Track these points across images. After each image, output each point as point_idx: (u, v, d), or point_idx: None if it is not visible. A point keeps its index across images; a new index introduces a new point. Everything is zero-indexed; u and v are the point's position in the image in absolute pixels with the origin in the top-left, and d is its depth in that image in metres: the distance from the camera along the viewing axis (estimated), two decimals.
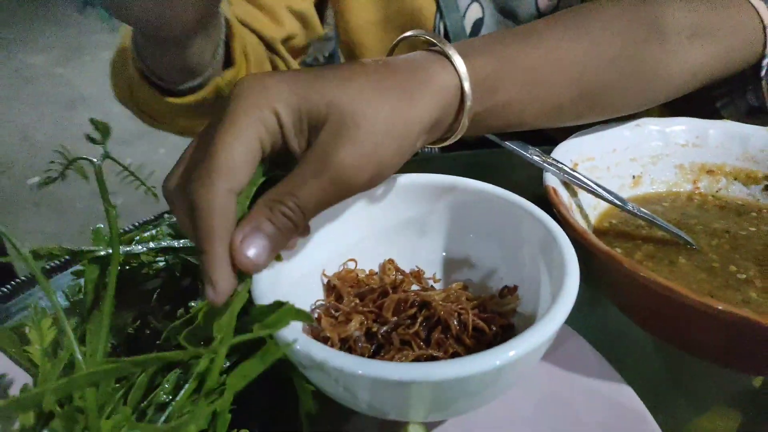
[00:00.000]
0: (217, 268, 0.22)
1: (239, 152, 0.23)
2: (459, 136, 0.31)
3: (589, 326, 0.30)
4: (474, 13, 0.65)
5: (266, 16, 0.60)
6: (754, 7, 0.42)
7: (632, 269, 0.26)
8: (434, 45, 0.30)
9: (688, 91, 0.40)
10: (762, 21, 0.42)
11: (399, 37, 0.32)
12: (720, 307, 0.24)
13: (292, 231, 0.25)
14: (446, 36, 0.64)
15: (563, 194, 0.33)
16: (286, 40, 0.61)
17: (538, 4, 0.63)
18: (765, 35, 0.42)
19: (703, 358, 0.29)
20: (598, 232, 0.36)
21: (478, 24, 0.65)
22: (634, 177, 0.40)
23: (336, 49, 0.74)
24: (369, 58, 0.29)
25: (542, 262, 0.27)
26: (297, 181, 0.25)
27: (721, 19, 0.42)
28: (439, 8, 0.64)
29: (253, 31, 0.57)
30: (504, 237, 0.30)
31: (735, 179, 0.40)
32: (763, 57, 0.43)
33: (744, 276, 0.32)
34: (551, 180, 0.33)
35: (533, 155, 0.34)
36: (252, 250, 0.23)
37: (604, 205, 0.37)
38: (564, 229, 0.27)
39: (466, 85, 0.29)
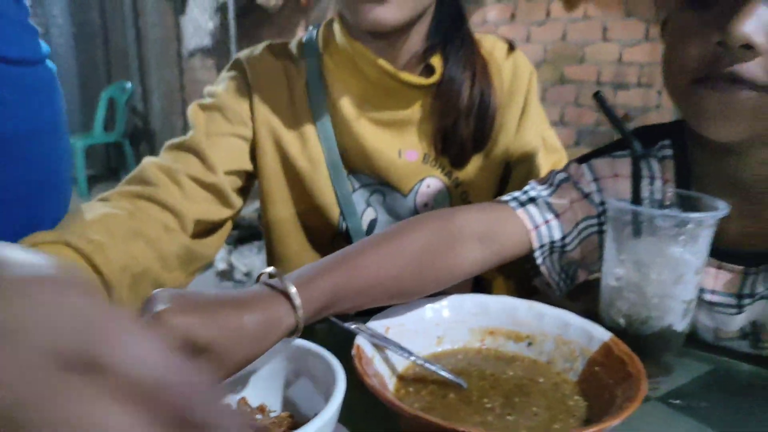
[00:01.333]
0: None
1: None
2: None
3: None
4: (369, 215, 0.84)
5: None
6: (520, 218, 0.62)
7: (391, 401, 0.40)
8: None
9: (473, 276, 0.58)
10: (525, 226, 0.62)
11: (259, 273, 0.48)
12: (458, 428, 0.37)
13: None
14: (347, 233, 0.82)
15: (367, 351, 0.47)
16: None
17: (417, 207, 0.84)
18: (530, 237, 0.62)
19: None
20: (402, 377, 0.50)
21: (372, 223, 0.84)
22: (437, 337, 0.55)
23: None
24: (233, 294, 0.44)
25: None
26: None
27: (500, 226, 0.61)
28: (341, 211, 0.82)
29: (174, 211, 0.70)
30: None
31: (508, 338, 0.56)
32: (533, 251, 0.62)
33: (490, 405, 0.46)
34: (359, 340, 0.48)
35: (350, 325, 0.49)
36: None
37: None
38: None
39: (301, 315, 0.44)
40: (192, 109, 0.79)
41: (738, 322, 0.62)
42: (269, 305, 0.43)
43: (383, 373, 0.48)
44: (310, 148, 0.80)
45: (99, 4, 5.37)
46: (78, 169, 4.56)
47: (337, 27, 0.79)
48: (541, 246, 0.63)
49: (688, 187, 0.62)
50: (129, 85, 4.94)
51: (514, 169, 0.84)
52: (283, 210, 0.83)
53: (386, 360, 0.49)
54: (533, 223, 0.62)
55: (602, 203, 0.64)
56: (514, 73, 0.84)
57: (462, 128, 0.79)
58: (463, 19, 0.81)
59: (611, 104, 0.50)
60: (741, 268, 0.60)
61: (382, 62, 0.75)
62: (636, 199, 0.54)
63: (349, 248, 0.53)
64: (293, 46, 0.84)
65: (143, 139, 5.38)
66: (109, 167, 5.50)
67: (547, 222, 0.63)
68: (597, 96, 0.51)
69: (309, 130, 0.80)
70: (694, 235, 0.51)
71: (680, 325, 0.54)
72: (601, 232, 0.64)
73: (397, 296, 0.54)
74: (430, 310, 0.55)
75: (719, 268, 0.61)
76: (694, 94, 0.52)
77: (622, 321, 0.55)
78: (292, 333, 0.44)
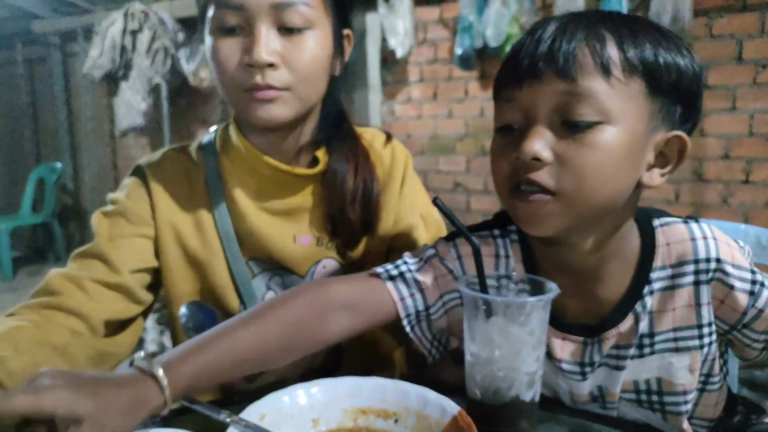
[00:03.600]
0: None
1: None
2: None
3: None
4: (270, 298, 0.89)
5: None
6: (388, 290, 0.69)
7: None
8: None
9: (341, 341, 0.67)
10: (392, 297, 0.69)
11: (131, 359, 0.54)
12: None
13: None
14: None
15: None
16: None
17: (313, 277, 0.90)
18: (396, 307, 0.70)
19: None
20: None
21: None
22: (313, 420, 0.60)
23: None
24: (111, 374, 0.51)
25: None
26: None
27: (369, 297, 0.69)
28: (240, 298, 0.87)
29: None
30: None
31: (378, 416, 0.61)
32: (401, 319, 0.70)
33: None
34: (231, 430, 0.52)
35: (221, 415, 0.54)
36: None
37: None
38: None
39: (168, 395, 0.50)
40: (95, 217, 0.85)
41: (586, 386, 0.70)
42: (140, 385, 0.51)
43: None
44: (209, 239, 0.87)
45: (28, 85, 5.35)
46: (2, 251, 4.40)
47: (232, 129, 0.88)
48: (408, 315, 0.71)
49: (534, 267, 0.72)
50: (59, 165, 4.86)
51: (394, 242, 0.92)
52: (185, 300, 0.88)
53: None
54: (399, 294, 0.71)
55: None
56: (392, 159, 0.94)
57: (349, 213, 0.87)
58: (345, 117, 0.92)
59: (448, 208, 0.60)
60: (581, 339, 0.69)
61: (268, 159, 0.84)
62: (482, 285, 0.63)
63: (219, 327, 0.60)
64: (193, 148, 0.93)
65: (73, 218, 5.25)
66: (37, 248, 5.31)
67: (412, 295, 0.71)
68: (435, 202, 0.60)
69: (208, 222, 0.87)
70: (529, 316, 0.60)
71: (527, 396, 0.61)
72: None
73: (265, 367, 0.62)
74: (304, 395, 0.61)
75: (564, 339, 0.70)
76: (510, 202, 0.63)
77: (478, 392, 0.62)
78: (161, 409, 0.51)
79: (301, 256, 0.88)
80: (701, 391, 0.71)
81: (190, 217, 0.87)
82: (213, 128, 0.95)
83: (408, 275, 0.72)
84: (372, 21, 3.53)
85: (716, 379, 0.71)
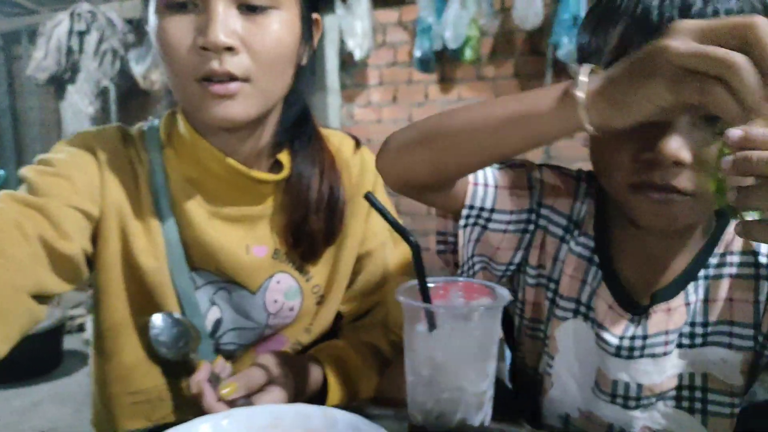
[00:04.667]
0: None
1: None
2: None
3: None
4: (213, 314, 0.79)
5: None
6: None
7: None
8: None
9: None
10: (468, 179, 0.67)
11: None
12: None
13: None
14: None
15: None
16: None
17: (266, 305, 0.80)
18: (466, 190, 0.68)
19: None
20: None
21: (218, 323, 0.79)
22: None
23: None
24: None
25: None
26: None
27: None
28: (182, 311, 0.76)
29: None
30: None
31: None
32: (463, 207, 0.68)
33: None
34: None
35: None
36: None
37: None
38: None
39: None
40: (30, 171, 0.69)
41: (620, 368, 0.66)
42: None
43: None
44: (156, 245, 0.75)
45: None
46: None
47: (180, 121, 0.76)
48: (471, 206, 0.66)
49: (603, 225, 0.68)
50: (2, 172, 4.61)
51: (363, 261, 0.84)
52: (118, 308, 0.76)
53: None
54: (474, 178, 0.66)
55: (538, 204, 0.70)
56: (362, 168, 0.85)
57: (312, 222, 0.78)
58: (309, 116, 0.82)
59: (381, 203, 0.51)
60: (628, 315, 0.66)
61: (231, 161, 0.73)
62: (423, 292, 0.54)
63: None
64: (135, 134, 0.79)
65: None
66: None
67: (486, 185, 0.67)
68: (366, 196, 0.51)
69: (154, 224, 0.75)
70: (477, 326, 0.52)
71: (476, 419, 0.53)
72: (525, 231, 0.70)
73: None
74: (211, 429, 0.51)
75: (610, 307, 0.66)
76: (632, 197, 0.58)
77: (419, 417, 0.54)
78: None
79: (254, 269, 0.78)
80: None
81: (137, 212, 0.75)
82: (154, 120, 0.82)
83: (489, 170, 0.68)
84: (330, 23, 3.45)
85: None
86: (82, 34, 3.85)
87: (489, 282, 0.56)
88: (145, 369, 0.76)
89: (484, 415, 0.54)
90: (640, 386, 0.65)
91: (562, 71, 2.72)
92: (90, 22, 3.81)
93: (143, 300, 0.76)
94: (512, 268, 0.71)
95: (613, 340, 0.65)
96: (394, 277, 0.85)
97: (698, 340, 0.65)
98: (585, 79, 0.48)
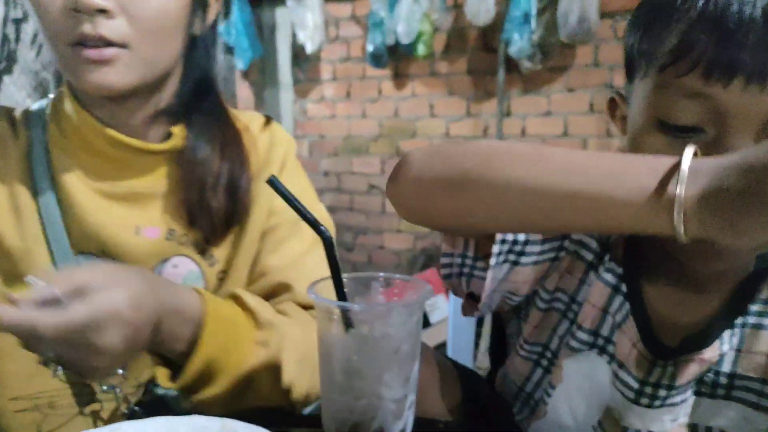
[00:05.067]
0: None
1: None
2: None
3: None
4: None
5: None
6: None
7: None
8: None
9: None
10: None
11: None
12: None
13: None
14: None
15: None
16: None
17: None
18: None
19: None
20: None
21: None
22: None
23: None
24: None
25: None
26: None
27: None
28: None
29: None
30: None
31: None
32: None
33: None
34: None
35: None
36: None
37: None
38: None
39: None
40: None
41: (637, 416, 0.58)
42: None
43: None
44: (27, 227, 0.68)
45: None
46: None
47: (66, 94, 0.71)
48: (503, 241, 0.57)
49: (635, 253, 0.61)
50: None
51: (266, 236, 0.76)
52: None
53: None
54: None
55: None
56: (271, 144, 0.80)
57: (210, 199, 0.72)
58: (212, 90, 0.77)
59: (285, 188, 0.46)
60: (651, 357, 0.57)
61: (110, 132, 0.69)
62: (338, 289, 0.49)
63: None
64: (18, 113, 0.75)
65: None
66: None
67: None
68: (270, 181, 0.46)
69: (26, 203, 0.69)
70: (396, 325, 0.47)
71: (395, 429, 0.48)
72: (555, 259, 0.63)
73: None
74: None
75: (633, 345, 0.58)
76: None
77: (333, 428, 0.49)
78: None
79: (145, 253, 0.71)
80: None
81: (4, 194, 0.69)
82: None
83: None
84: (282, 16, 3.38)
85: None
86: (18, 22, 3.64)
87: (409, 276, 0.52)
88: (28, 371, 0.68)
89: (404, 423, 0.49)
90: None
91: (514, 68, 2.72)
92: (27, 9, 3.62)
93: (14, 288, 0.68)
94: (529, 296, 0.65)
95: (635, 384, 0.57)
96: (305, 263, 0.77)
97: (720, 392, 0.56)
98: (686, 170, 0.37)
